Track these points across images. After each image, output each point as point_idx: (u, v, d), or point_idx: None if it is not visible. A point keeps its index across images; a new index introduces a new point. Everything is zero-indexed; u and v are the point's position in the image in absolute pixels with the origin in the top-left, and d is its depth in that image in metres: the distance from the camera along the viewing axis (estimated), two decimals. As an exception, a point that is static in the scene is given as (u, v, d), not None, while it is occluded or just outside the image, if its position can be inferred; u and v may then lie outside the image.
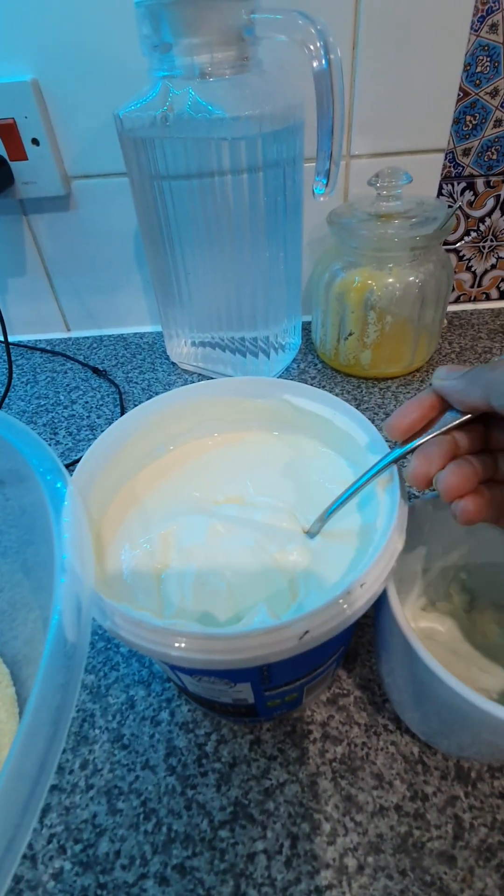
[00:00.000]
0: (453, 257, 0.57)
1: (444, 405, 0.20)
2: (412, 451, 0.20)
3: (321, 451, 0.27)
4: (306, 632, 0.16)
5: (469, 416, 0.19)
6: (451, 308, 0.60)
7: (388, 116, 0.47)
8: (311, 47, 0.32)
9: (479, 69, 0.45)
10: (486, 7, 0.42)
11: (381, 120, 0.47)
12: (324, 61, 0.31)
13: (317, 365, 0.53)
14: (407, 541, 0.20)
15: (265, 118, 0.35)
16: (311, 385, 0.50)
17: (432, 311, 0.46)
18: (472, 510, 0.19)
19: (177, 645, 0.17)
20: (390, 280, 0.44)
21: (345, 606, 0.17)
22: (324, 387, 0.50)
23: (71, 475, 0.20)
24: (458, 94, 0.46)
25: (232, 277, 0.43)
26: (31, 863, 0.23)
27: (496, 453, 0.20)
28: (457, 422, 0.19)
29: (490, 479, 0.20)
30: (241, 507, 0.24)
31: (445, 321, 0.57)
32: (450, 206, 0.51)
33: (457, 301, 0.61)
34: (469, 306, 0.60)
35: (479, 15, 0.42)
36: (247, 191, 0.37)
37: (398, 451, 0.20)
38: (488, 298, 0.61)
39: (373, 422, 0.46)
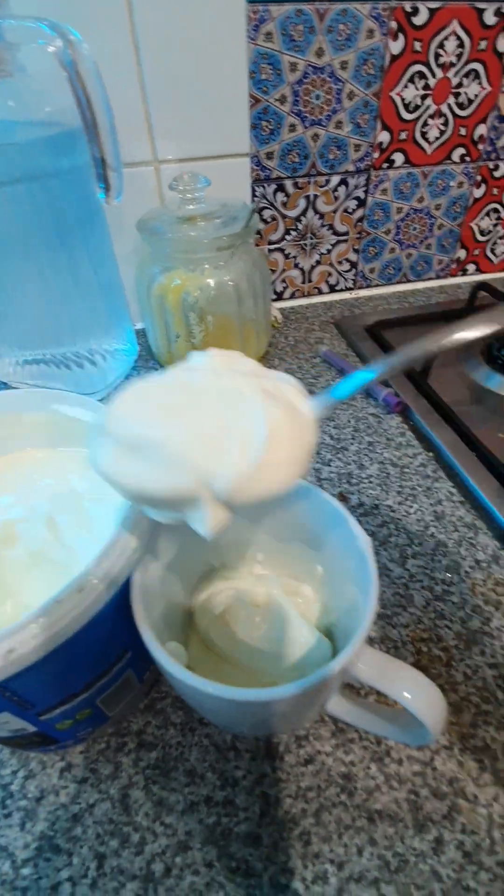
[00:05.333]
0: (280, 256, 0.59)
1: None
2: None
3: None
4: (10, 650, 0.16)
5: None
6: (287, 304, 0.63)
7: (189, 123, 0.48)
8: (60, 56, 0.31)
9: (263, 76, 0.47)
10: (258, 16, 0.44)
11: (182, 127, 0.48)
12: (70, 71, 0.31)
13: (157, 370, 0.53)
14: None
15: (31, 124, 0.34)
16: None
17: (253, 308, 0.48)
18: None
19: None
20: (206, 280, 0.45)
21: (57, 617, 0.17)
22: (163, 391, 0.50)
23: None
24: (250, 101, 0.48)
25: (38, 291, 0.41)
26: None
27: None
28: None
29: None
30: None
31: (281, 316, 0.59)
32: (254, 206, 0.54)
33: (292, 297, 0.64)
34: (304, 301, 0.64)
35: (253, 24, 0.45)
36: (27, 201, 0.36)
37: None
38: (320, 293, 0.64)
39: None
